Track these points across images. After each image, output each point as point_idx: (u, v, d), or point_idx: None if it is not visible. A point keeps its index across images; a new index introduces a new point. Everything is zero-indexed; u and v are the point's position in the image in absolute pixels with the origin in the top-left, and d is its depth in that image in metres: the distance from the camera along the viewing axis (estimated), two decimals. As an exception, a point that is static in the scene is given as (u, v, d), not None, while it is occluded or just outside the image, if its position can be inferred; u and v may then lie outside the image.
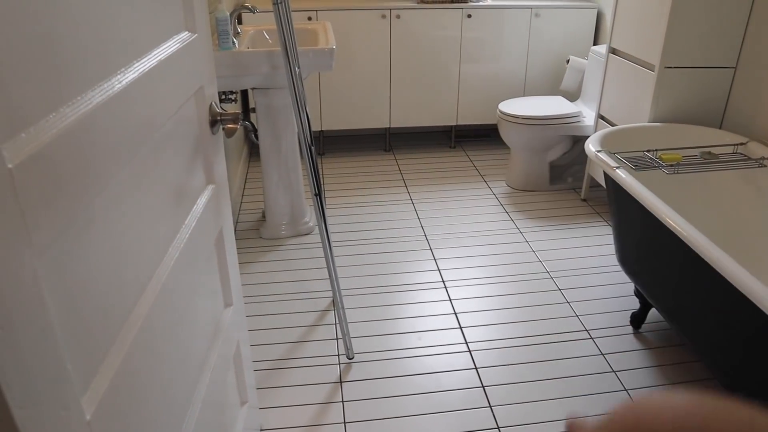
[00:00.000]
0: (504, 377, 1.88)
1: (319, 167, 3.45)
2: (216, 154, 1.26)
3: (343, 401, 1.78)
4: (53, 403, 0.57)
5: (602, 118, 2.78)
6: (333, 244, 2.64)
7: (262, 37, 2.61)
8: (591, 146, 2.10)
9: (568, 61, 3.32)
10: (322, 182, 3.26)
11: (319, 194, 1.74)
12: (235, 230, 2.75)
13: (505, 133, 3.06)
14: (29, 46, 0.55)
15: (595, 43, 3.52)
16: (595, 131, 2.85)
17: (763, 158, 2.05)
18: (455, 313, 2.18)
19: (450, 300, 2.26)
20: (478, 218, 2.87)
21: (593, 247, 2.62)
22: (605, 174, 2.04)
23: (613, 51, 2.66)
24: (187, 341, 1.03)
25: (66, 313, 0.61)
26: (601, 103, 2.78)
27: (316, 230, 2.75)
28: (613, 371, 1.91)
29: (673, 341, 2.04)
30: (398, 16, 3.28)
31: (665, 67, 2.28)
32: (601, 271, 2.44)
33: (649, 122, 2.37)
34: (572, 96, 3.53)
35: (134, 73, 0.81)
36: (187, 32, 1.10)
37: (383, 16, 3.27)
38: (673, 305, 1.78)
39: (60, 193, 0.59)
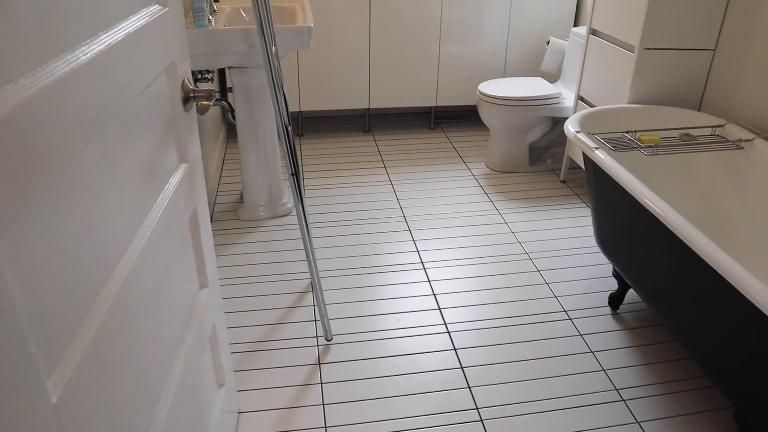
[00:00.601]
0: (482, 358, 1.88)
1: (297, 148, 3.41)
2: (190, 133, 1.23)
3: (321, 383, 1.78)
4: (16, 386, 0.55)
5: (582, 99, 2.78)
6: (311, 226, 2.62)
7: (239, 14, 2.55)
8: (570, 127, 2.09)
9: (548, 43, 3.31)
10: (299, 163, 3.22)
11: (296, 174, 1.71)
12: (212, 212, 2.72)
13: (484, 114, 3.05)
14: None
15: (575, 25, 3.51)
16: (575, 113, 2.85)
17: (740, 140, 2.07)
18: (434, 295, 2.18)
19: (429, 281, 2.25)
20: (458, 199, 2.86)
21: (572, 228, 2.63)
22: (584, 155, 2.04)
23: (593, 32, 2.65)
24: (161, 322, 1.01)
25: (29, 292, 0.58)
26: (580, 85, 2.77)
27: (295, 212, 2.72)
28: (591, 351, 1.92)
29: (651, 322, 2.06)
30: (378, -5, 3.23)
31: (645, 49, 2.28)
32: (580, 252, 2.45)
33: (628, 104, 2.37)
34: (552, 77, 3.52)
35: (100, 45, 0.77)
36: (157, 5, 1.06)
37: (363, -5, 3.22)
38: (651, 286, 1.79)
39: (20, 167, 0.56)
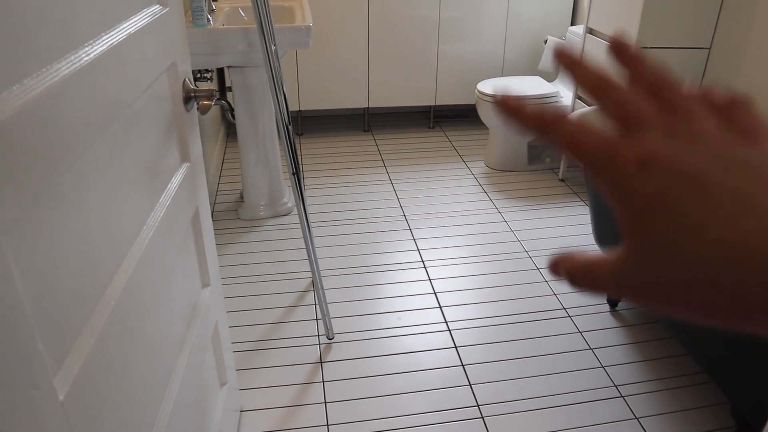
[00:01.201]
0: (483, 356, 1.89)
1: (297, 147, 3.42)
2: (191, 132, 1.24)
3: (323, 381, 1.78)
4: (24, 384, 0.56)
5: (580, 98, 2.79)
6: (312, 225, 2.62)
7: (237, 14, 2.56)
8: (569, 125, 2.10)
9: (546, 41, 3.31)
10: (300, 162, 3.23)
11: (296, 173, 1.72)
12: (213, 211, 2.73)
13: (483, 113, 3.05)
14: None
15: (572, 23, 3.52)
16: (573, 111, 2.86)
17: (737, 137, 2.08)
18: (435, 293, 2.19)
19: (429, 279, 2.26)
20: (457, 198, 2.87)
21: (571, 226, 2.64)
22: (583, 153, 2.04)
23: (590, 31, 2.66)
24: (164, 321, 1.02)
25: (36, 290, 0.59)
26: (579, 83, 2.78)
27: (295, 211, 2.73)
28: (590, 348, 1.93)
29: (649, 319, 2.07)
30: (376, -5, 3.24)
31: (641, 48, 2.29)
32: (579, 250, 2.46)
33: (626, 102, 2.38)
34: (550, 76, 3.53)
35: (103, 45, 0.78)
36: (158, 6, 1.06)
37: (361, -5, 3.22)
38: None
39: (26, 167, 0.57)
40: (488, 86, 3.03)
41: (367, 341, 1.95)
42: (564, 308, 2.12)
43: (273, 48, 1.75)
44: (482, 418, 1.66)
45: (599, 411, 1.69)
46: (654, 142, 0.27)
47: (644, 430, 1.63)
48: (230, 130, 3.61)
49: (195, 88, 1.21)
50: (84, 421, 0.67)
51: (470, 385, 1.78)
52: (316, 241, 2.50)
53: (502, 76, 3.55)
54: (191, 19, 2.15)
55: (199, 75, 2.41)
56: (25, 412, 0.56)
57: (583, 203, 2.84)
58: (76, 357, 0.67)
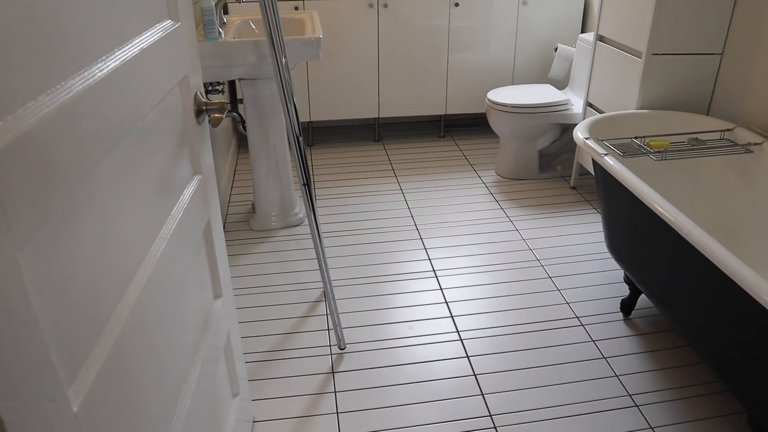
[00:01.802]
0: (495, 365, 1.88)
1: (308, 158, 3.44)
2: (202, 145, 1.25)
3: (335, 392, 1.78)
4: (38, 395, 0.56)
5: (590, 105, 2.78)
6: (323, 235, 2.63)
7: (248, 27, 2.58)
8: (579, 134, 2.10)
9: (556, 49, 3.31)
10: (311, 173, 3.25)
11: (307, 184, 1.73)
12: (224, 222, 2.74)
13: (494, 121, 3.06)
14: (5, 32, 0.54)
15: (582, 31, 3.52)
16: (584, 119, 2.85)
17: (749, 144, 2.06)
18: (446, 302, 2.18)
19: (441, 289, 2.26)
20: (468, 207, 2.87)
21: (583, 234, 2.63)
22: (594, 161, 2.04)
23: (600, 38, 2.66)
24: (177, 333, 1.02)
25: (50, 303, 0.60)
26: (589, 91, 2.78)
27: (307, 221, 2.74)
28: (604, 357, 1.92)
29: (663, 327, 2.05)
30: (386, 5, 3.26)
31: (652, 54, 2.28)
32: (591, 258, 2.45)
33: (636, 109, 2.37)
34: (561, 84, 3.53)
35: (116, 61, 0.79)
36: (170, 21, 1.08)
37: (370, 6, 3.25)
38: (663, 291, 1.79)
39: (41, 182, 0.58)
40: (499, 95, 3.03)
41: (378, 351, 1.95)
42: (577, 317, 2.10)
43: (283, 60, 1.77)
44: (495, 428, 1.65)
45: (613, 421, 1.68)
46: None
47: (659, 440, 1.62)
48: (242, 142, 3.63)
49: (206, 101, 1.22)
50: (97, 432, 0.68)
51: (482, 395, 1.77)
52: (328, 252, 2.51)
53: (512, 84, 3.56)
54: (203, 32, 2.18)
55: (210, 87, 2.44)
56: (39, 424, 0.56)
57: (595, 211, 2.83)
58: (90, 369, 0.68)
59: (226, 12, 3.11)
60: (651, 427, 1.65)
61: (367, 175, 3.22)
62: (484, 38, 3.43)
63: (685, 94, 2.37)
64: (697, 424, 1.66)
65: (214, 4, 2.15)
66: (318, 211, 2.84)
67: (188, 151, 1.17)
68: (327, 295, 1.91)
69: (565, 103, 2.95)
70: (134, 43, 0.89)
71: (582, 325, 2.07)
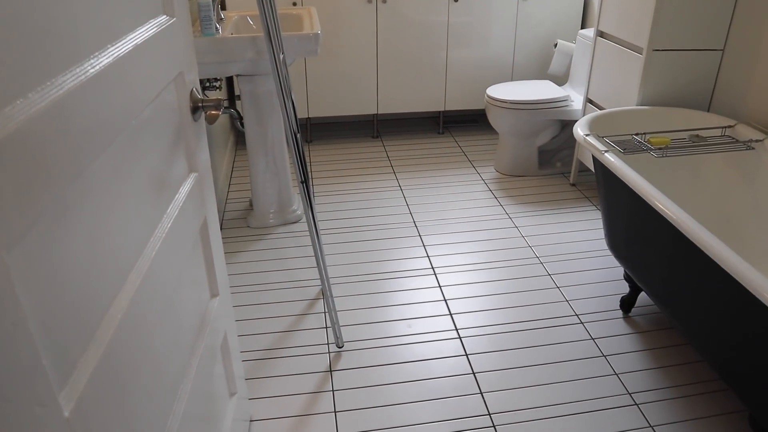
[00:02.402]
0: (494, 363, 1.87)
1: (306, 155, 3.42)
2: (198, 142, 1.24)
3: (333, 390, 1.77)
4: (28, 400, 0.55)
5: (590, 101, 2.77)
6: (321, 232, 2.62)
7: (246, 22, 2.56)
8: (579, 130, 2.08)
9: (555, 45, 3.30)
10: (309, 170, 3.23)
11: (305, 182, 1.72)
12: (222, 219, 2.73)
13: (493, 118, 3.04)
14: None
15: (582, 27, 3.50)
16: (584, 115, 2.84)
17: (750, 140, 2.05)
18: (445, 300, 2.17)
19: (440, 286, 2.25)
20: (468, 204, 2.86)
21: (582, 231, 2.62)
22: (594, 158, 2.03)
23: (600, 34, 2.64)
24: (173, 333, 1.01)
25: (40, 305, 0.59)
26: (589, 87, 2.76)
27: (304, 218, 2.73)
28: (603, 356, 1.91)
29: (663, 325, 2.04)
30: (384, 1, 3.24)
31: (653, 50, 2.27)
32: (591, 255, 2.44)
33: (637, 105, 2.36)
34: (560, 80, 3.51)
35: (109, 57, 0.78)
36: (165, 16, 1.06)
37: (369, 1, 3.22)
38: (663, 289, 1.78)
39: (30, 181, 0.57)
40: (498, 91, 3.02)
41: (377, 349, 1.93)
42: (576, 314, 2.09)
43: (281, 56, 1.75)
44: (494, 426, 1.64)
45: (613, 419, 1.67)
46: None
47: (659, 439, 1.61)
48: (239, 138, 3.62)
49: (202, 97, 1.21)
50: (90, 436, 0.66)
51: (481, 393, 1.76)
52: (326, 249, 2.49)
53: (511, 80, 3.54)
54: (200, 28, 2.16)
55: (208, 84, 2.42)
56: (30, 429, 0.55)
57: (595, 208, 2.81)
58: (82, 372, 0.67)
59: (223, 8, 3.09)
60: (651, 426, 1.65)
61: (366, 171, 3.21)
62: (483, 34, 3.41)
63: (685, 91, 2.36)
64: (698, 422, 1.65)
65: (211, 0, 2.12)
66: (316, 208, 2.83)
67: (184, 149, 1.16)
68: (325, 293, 1.90)
69: (564, 99, 2.93)
70: (128, 39, 0.87)
71: (581, 322, 2.06)
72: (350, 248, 2.49)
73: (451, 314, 2.10)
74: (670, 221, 1.56)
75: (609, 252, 2.45)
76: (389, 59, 3.39)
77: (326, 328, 2.03)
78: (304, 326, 2.04)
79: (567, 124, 3.10)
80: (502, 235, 2.60)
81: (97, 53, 0.75)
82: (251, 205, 2.80)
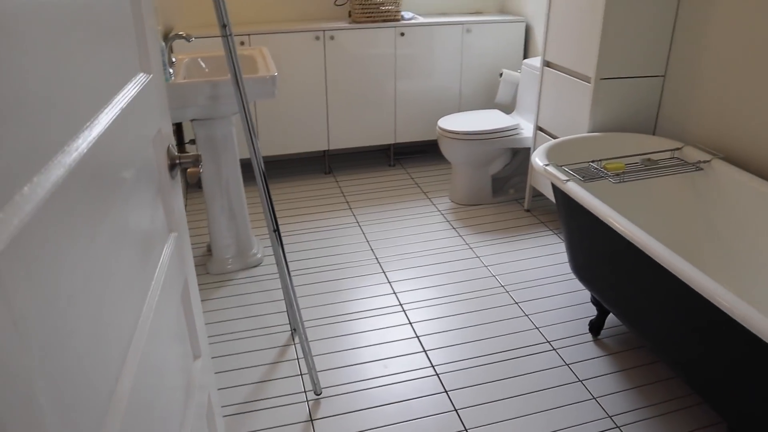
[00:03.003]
0: (475, 398, 1.87)
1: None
2: (176, 200, 1.19)
3: (316, 441, 1.72)
4: None
5: (541, 129, 2.85)
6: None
7: (197, 65, 2.51)
8: (538, 160, 2.13)
9: (501, 75, 3.39)
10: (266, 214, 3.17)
11: (277, 230, 1.68)
12: (179, 267, 2.63)
13: (446, 149, 3.08)
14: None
15: (525, 56, 3.61)
16: (534, 143, 2.91)
17: (699, 162, 2.15)
18: (417, 337, 2.16)
19: (410, 323, 2.23)
20: (427, 236, 2.87)
21: (543, 257, 2.67)
22: (554, 186, 2.08)
23: (547, 64, 2.73)
24: (167, 405, 0.95)
25: (55, 403, 0.54)
26: (538, 115, 2.84)
27: (265, 262, 2.67)
28: (580, 381, 1.93)
29: (633, 345, 2.09)
30: (332, 38, 3.25)
31: (601, 79, 2.36)
32: (554, 281, 2.49)
33: (588, 132, 2.44)
34: (507, 108, 3.61)
35: (99, 126, 0.74)
36: (143, 73, 1.03)
37: (317, 38, 3.23)
38: (630, 309, 1.82)
39: (41, 273, 0.52)
40: (449, 122, 3.07)
41: (355, 393, 1.89)
42: (548, 341, 2.12)
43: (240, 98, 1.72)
44: (484, 465, 1.63)
45: (598, 446, 1.69)
46: None
47: (645, 461, 1.63)
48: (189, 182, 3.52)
49: (179, 154, 1.16)
50: None
51: (466, 430, 1.75)
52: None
53: (459, 110, 3.61)
54: (151, 74, 2.09)
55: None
56: None
57: (551, 232, 2.88)
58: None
59: (171, 50, 3.02)
60: (635, 449, 1.67)
61: (322, 208, 3.18)
62: (430, 66, 3.47)
63: (632, 116, 2.46)
64: (679, 442, 1.69)
65: (163, 43, 2.07)
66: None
67: (164, 209, 1.11)
68: (301, 339, 1.85)
69: (515, 128, 3.01)
70: (114, 102, 0.83)
71: (554, 349, 2.08)
72: (315, 289, 2.45)
73: (425, 351, 2.09)
74: (637, 245, 1.60)
75: (571, 276, 2.51)
76: (339, 95, 3.40)
77: (301, 375, 1.98)
78: (279, 375, 1.98)
79: (518, 152, 3.18)
80: (465, 266, 2.62)
81: (89, 124, 0.71)
82: (209, 250, 2.71)
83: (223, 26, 1.49)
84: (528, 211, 3.10)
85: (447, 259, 2.66)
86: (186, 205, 3.26)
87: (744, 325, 1.29)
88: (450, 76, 3.53)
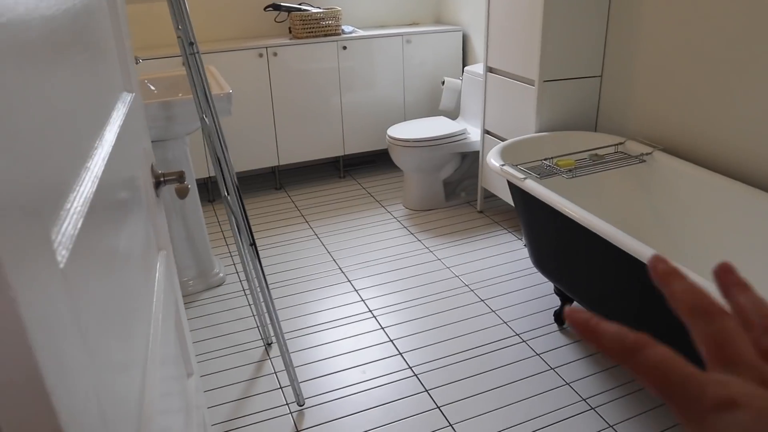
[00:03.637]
0: (455, 394, 1.91)
1: (212, 214, 3.32)
2: (161, 217, 1.19)
3: (304, 452, 1.72)
4: None
5: (488, 132, 2.95)
6: (247, 292, 2.55)
7: (146, 87, 2.48)
8: (493, 161, 2.22)
9: (443, 83, 3.49)
10: (221, 228, 3.14)
11: (253, 243, 1.68)
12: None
13: (397, 157, 3.14)
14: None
15: (464, 64, 3.73)
16: (483, 146, 3.01)
17: (642, 154, 2.29)
18: (391, 341, 2.19)
19: (382, 328, 2.27)
20: (386, 243, 2.91)
21: (501, 255, 2.76)
22: (511, 185, 2.16)
23: (490, 69, 2.84)
24: (176, 424, 0.95)
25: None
26: (485, 119, 2.95)
27: (229, 280, 2.64)
28: (552, 368, 2.01)
29: (595, 330, 2.19)
30: (275, 54, 3.26)
31: (544, 81, 2.48)
32: (515, 276, 2.58)
33: (535, 132, 2.55)
34: (451, 115, 3.71)
35: (107, 144, 0.74)
36: (125, 92, 1.03)
37: (260, 55, 3.24)
38: (591, 294, 1.92)
39: (87, 314, 0.53)
40: (398, 131, 3.13)
41: (338, 401, 1.91)
42: (517, 334, 2.19)
43: (210, 118, 1.72)
44: (472, 457, 1.68)
45: (576, 427, 1.76)
46: (746, 388, 0.26)
47: (621, 437, 1.72)
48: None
49: (163, 172, 1.16)
50: None
51: (451, 425, 1.79)
52: (259, 308, 2.42)
53: (405, 120, 3.68)
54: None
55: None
56: None
57: (506, 231, 2.98)
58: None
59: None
60: (611, 426, 1.76)
61: (278, 224, 3.17)
62: (373, 78, 3.54)
63: (574, 115, 2.59)
64: (651, 413, 1.79)
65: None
66: (238, 268, 2.75)
67: (152, 228, 1.11)
68: (282, 351, 1.85)
69: (462, 133, 3.10)
70: (111, 122, 0.84)
71: (524, 341, 2.16)
72: (284, 303, 2.45)
73: (400, 353, 2.12)
74: (601, 235, 1.70)
75: (532, 271, 2.61)
76: (286, 110, 3.41)
77: (281, 388, 1.97)
78: (258, 390, 1.97)
79: (466, 156, 3.27)
80: (428, 269, 2.67)
81: (96, 145, 0.72)
82: (168, 274, 2.66)
83: (190, 44, 1.49)
84: (481, 212, 3.20)
85: (409, 264, 2.71)
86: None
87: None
88: (393, 86, 3.60)
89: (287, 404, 1.90)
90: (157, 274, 1.05)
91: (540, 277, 2.55)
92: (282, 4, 3.43)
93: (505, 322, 2.26)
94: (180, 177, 1.15)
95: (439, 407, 1.87)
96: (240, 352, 2.16)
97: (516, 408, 1.85)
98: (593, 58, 2.53)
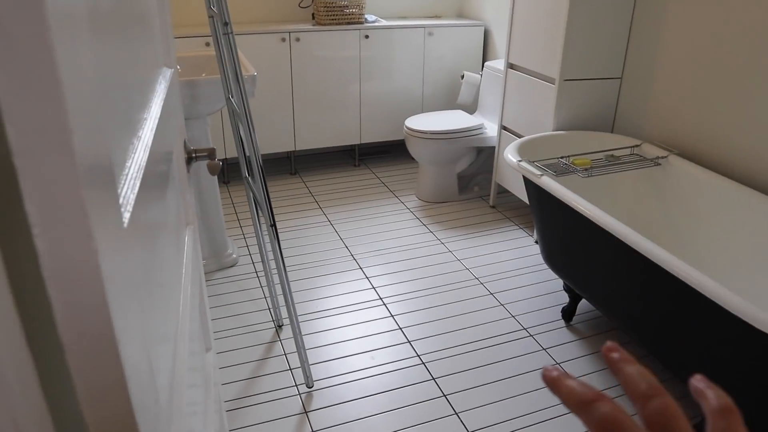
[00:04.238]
0: (462, 383, 1.95)
1: (226, 196, 3.36)
2: (190, 193, 1.21)
3: (312, 431, 1.76)
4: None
5: (505, 128, 2.96)
6: (260, 274, 2.58)
7: (169, 66, 2.50)
8: (511, 157, 2.23)
9: (462, 77, 3.50)
10: (236, 211, 3.17)
11: (274, 224, 1.71)
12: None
13: (413, 148, 3.16)
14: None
15: (484, 59, 3.74)
16: (499, 141, 3.03)
17: (657, 158, 2.30)
18: (400, 329, 2.22)
19: (392, 316, 2.30)
20: (399, 233, 2.94)
21: (512, 250, 2.78)
22: (526, 180, 2.18)
23: (511, 66, 2.85)
24: (199, 395, 0.98)
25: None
26: (503, 115, 2.96)
27: (241, 262, 2.67)
28: (558, 363, 2.04)
29: (603, 328, 2.22)
30: (298, 39, 3.28)
31: (564, 80, 2.49)
32: (525, 272, 2.60)
33: (553, 130, 2.56)
34: (469, 109, 3.72)
35: (152, 120, 0.77)
36: (165, 67, 1.05)
37: (283, 40, 3.26)
38: (602, 292, 1.94)
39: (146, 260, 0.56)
40: (416, 122, 3.15)
41: (346, 385, 1.94)
42: (524, 328, 2.22)
43: (233, 98, 1.75)
44: (477, 445, 1.71)
45: (578, 422, 1.79)
46: None
47: (624, 435, 1.74)
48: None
49: (195, 148, 1.19)
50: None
51: (456, 414, 1.82)
52: (273, 290, 2.46)
53: (422, 112, 3.70)
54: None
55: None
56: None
57: (517, 227, 3.00)
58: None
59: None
60: (614, 424, 1.78)
61: (293, 209, 3.20)
62: (393, 68, 3.55)
63: (592, 115, 2.61)
64: (654, 415, 1.81)
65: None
66: (251, 250, 2.78)
67: (183, 202, 1.14)
68: (295, 333, 1.88)
69: (479, 128, 3.12)
70: (157, 93, 0.86)
71: (531, 335, 2.18)
72: (296, 286, 2.48)
73: (409, 341, 2.15)
74: (615, 234, 1.72)
75: (542, 267, 2.63)
76: (304, 96, 3.43)
77: (290, 369, 2.01)
78: (268, 371, 2.00)
79: (482, 150, 3.29)
80: (439, 260, 2.70)
81: (144, 120, 0.74)
82: (183, 252, 2.70)
83: (225, 24, 1.52)
84: (493, 207, 3.22)
85: (420, 254, 2.74)
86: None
87: (713, 299, 1.42)
88: (412, 77, 3.62)
89: (296, 385, 1.94)
90: (186, 248, 1.08)
91: (549, 274, 2.57)
92: (306, -10, 3.44)
93: (513, 316, 2.29)
94: (211, 154, 1.18)
95: (445, 395, 1.90)
96: (250, 333, 2.20)
97: (520, 400, 1.88)
98: (614, 60, 2.54)
